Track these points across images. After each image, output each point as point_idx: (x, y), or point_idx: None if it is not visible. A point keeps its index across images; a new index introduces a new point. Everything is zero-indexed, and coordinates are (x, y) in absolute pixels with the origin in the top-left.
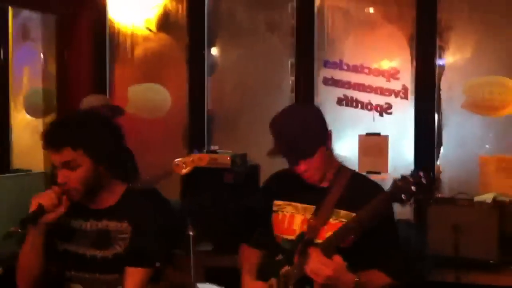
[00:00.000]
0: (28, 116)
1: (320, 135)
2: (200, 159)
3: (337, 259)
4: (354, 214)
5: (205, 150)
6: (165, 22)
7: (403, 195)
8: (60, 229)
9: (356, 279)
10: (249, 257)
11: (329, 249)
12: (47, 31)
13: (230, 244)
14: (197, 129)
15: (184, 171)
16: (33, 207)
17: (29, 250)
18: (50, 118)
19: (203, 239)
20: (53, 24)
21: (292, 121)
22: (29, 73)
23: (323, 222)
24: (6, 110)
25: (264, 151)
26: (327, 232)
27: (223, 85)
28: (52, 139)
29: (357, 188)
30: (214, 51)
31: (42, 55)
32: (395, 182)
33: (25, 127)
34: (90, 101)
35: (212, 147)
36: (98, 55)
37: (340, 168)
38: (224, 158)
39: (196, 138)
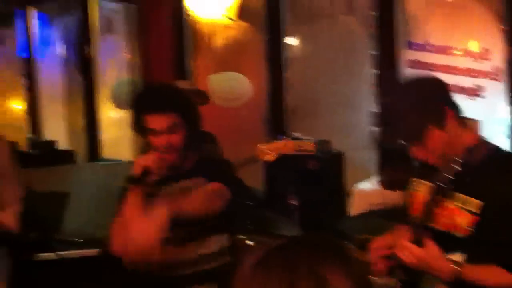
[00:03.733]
0: (114, 109)
1: (425, 114)
2: (286, 145)
3: (429, 245)
4: (474, 200)
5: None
6: (243, 10)
7: None
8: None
9: (455, 268)
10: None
11: (420, 233)
12: (129, 22)
13: (318, 230)
14: (277, 117)
15: (269, 157)
16: (137, 168)
17: (130, 210)
18: None
19: (289, 223)
20: (134, 15)
21: (393, 99)
22: (114, 65)
23: (439, 205)
24: (94, 103)
25: (346, 139)
26: (443, 217)
27: (302, 74)
28: (157, 102)
29: (487, 170)
30: (292, 39)
31: (125, 46)
32: None
33: (112, 119)
34: (179, 85)
35: (295, 134)
36: (177, 44)
37: (476, 146)
38: (308, 144)
39: (276, 127)
